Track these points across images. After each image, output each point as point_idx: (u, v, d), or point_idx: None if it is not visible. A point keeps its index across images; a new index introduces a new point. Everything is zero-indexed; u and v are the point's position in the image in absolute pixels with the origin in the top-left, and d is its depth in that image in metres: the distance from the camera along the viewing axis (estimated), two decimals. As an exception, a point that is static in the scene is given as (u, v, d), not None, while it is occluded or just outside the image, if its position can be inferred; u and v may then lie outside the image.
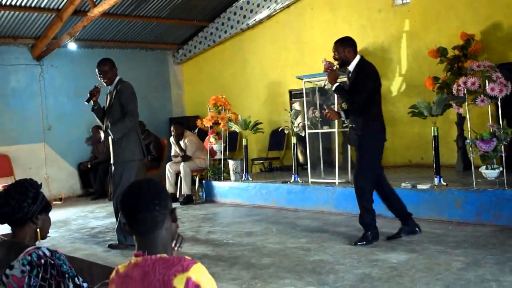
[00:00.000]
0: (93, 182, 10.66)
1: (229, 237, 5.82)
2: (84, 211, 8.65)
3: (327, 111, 5.55)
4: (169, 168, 8.91)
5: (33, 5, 8.86)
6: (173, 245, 2.05)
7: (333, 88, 5.09)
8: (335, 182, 6.98)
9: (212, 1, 10.55)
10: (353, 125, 5.12)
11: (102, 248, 5.72)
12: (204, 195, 8.71)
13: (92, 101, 5.72)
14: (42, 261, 2.27)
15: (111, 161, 5.68)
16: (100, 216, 7.95)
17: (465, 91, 5.71)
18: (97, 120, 5.88)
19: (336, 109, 6.33)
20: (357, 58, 5.01)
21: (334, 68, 5.13)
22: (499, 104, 5.52)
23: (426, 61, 7.80)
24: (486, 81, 5.57)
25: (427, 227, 5.45)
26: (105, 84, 5.72)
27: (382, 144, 5.09)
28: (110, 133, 5.56)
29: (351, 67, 5.02)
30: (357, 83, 4.93)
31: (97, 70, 5.69)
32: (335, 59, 5.10)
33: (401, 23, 8.64)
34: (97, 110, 5.79)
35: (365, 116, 4.95)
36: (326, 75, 5.16)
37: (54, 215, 7.86)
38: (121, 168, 5.58)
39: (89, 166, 10.68)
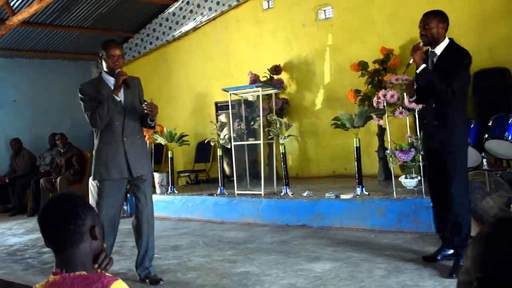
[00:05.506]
0: (11, 197, 10.20)
1: (155, 251, 5.71)
2: (2, 228, 8.24)
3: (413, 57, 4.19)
4: (92, 182, 8.65)
5: None
6: (96, 266, 1.91)
7: (419, 69, 4.17)
8: (261, 194, 7.01)
9: (137, 12, 10.41)
10: (435, 122, 4.19)
11: (20, 267, 5.47)
12: (128, 209, 8.52)
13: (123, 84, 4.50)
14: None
15: (138, 174, 4.50)
16: (19, 233, 7.60)
17: (385, 104, 5.91)
18: (106, 108, 4.39)
19: None
20: (447, 40, 4.19)
21: (420, 45, 4.22)
22: (417, 116, 5.74)
23: (348, 75, 8.00)
24: (405, 94, 5.78)
25: (351, 236, 5.59)
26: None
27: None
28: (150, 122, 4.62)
29: (438, 50, 4.18)
30: (452, 68, 4.04)
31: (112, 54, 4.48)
32: (422, 35, 4.21)
33: (324, 37, 8.84)
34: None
35: (458, 108, 4.10)
36: (411, 54, 4.19)
37: (-32, 232, 7.52)
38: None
39: (7, 180, 10.21)
